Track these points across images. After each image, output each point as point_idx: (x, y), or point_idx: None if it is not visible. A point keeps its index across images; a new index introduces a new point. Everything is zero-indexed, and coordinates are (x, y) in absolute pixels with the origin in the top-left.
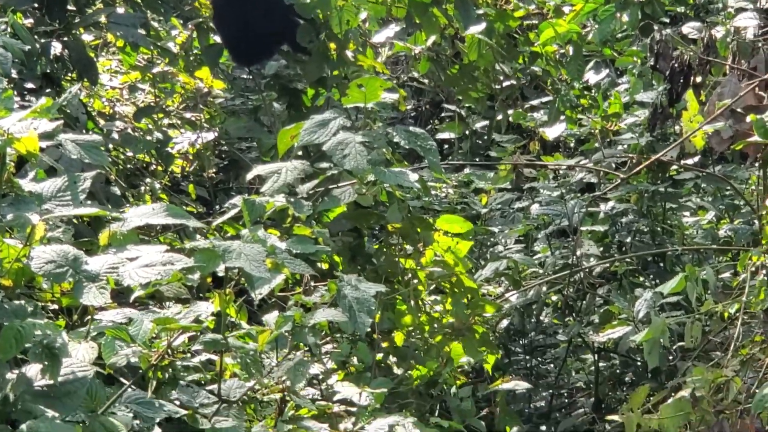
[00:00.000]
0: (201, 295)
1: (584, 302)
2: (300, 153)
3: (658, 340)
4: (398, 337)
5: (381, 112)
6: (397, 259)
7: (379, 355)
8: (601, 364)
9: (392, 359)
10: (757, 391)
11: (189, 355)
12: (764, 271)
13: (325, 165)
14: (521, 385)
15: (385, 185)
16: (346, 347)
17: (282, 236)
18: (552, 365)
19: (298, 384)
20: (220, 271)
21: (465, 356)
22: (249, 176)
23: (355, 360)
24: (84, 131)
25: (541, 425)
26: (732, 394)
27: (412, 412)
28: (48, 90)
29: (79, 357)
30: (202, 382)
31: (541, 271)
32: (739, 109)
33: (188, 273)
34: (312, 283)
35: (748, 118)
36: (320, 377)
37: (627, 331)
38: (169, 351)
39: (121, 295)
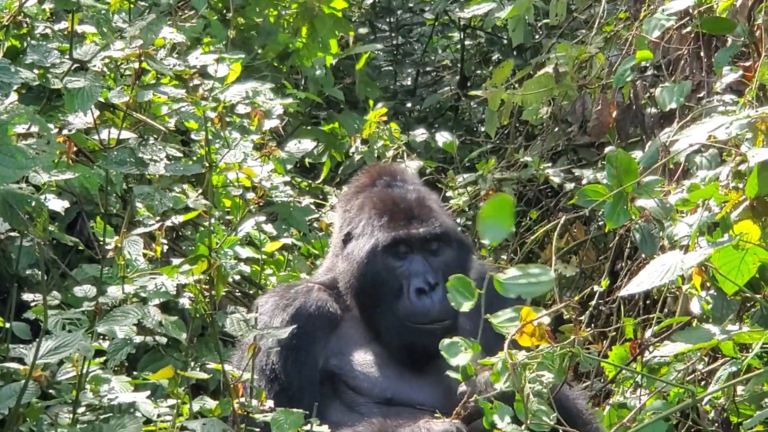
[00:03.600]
0: None
1: None
2: None
3: (523, 17)
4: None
5: None
6: None
7: (234, 32)
8: (467, 42)
9: (247, 35)
10: (619, 66)
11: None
12: None
13: None
14: (374, 47)
15: None
16: (201, 23)
17: None
18: (419, 43)
19: (151, 43)
20: None
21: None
22: None
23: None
24: None
25: (407, 102)
26: (595, 69)
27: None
28: None
29: None
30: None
31: None
32: None
33: None
34: None
35: None
36: (182, 50)
37: (492, 7)
38: (24, 19)
39: None
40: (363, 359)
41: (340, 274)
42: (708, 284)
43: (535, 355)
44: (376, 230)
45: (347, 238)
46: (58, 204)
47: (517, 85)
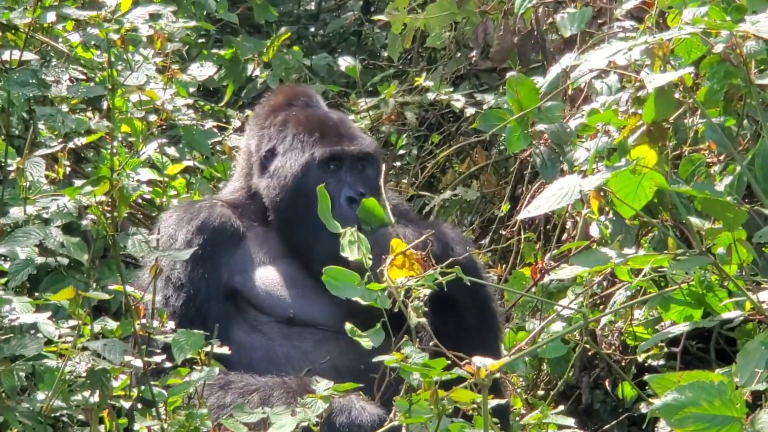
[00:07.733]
0: None
1: None
2: None
3: None
4: None
5: None
6: None
7: None
8: None
9: None
10: None
11: None
12: None
13: None
14: None
15: None
16: None
17: None
18: None
19: None
20: None
21: None
22: None
23: None
24: None
25: (310, 26)
26: None
27: None
28: None
29: None
30: None
31: None
32: None
33: None
34: None
35: None
36: None
37: None
38: None
39: None
40: (267, 277)
41: (264, 190)
42: (606, 209)
43: (420, 282)
44: (309, 146)
45: (270, 155)
46: None
47: (420, 10)
